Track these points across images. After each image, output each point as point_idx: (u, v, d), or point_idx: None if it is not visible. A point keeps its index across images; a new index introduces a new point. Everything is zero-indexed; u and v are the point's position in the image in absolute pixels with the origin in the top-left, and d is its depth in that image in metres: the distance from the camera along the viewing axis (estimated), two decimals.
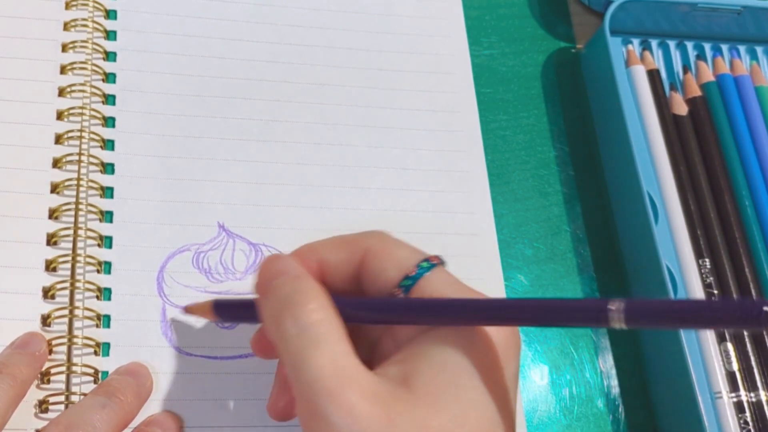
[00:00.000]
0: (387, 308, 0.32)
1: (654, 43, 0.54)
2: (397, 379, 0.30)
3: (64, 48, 0.45)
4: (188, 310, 0.39)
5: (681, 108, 0.52)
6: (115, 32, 0.46)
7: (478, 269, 0.45)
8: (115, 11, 0.46)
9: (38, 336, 0.39)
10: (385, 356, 0.32)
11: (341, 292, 0.33)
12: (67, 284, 0.40)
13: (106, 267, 0.41)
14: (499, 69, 0.53)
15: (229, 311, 0.37)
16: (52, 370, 0.38)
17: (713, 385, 0.45)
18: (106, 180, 0.43)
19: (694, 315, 0.26)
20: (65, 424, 0.35)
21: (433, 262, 0.32)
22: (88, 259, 0.41)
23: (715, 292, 0.47)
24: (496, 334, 0.31)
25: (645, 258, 0.46)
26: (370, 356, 0.33)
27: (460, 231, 0.46)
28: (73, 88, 0.44)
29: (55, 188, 0.42)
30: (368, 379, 0.29)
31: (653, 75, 0.52)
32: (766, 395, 0.45)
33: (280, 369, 0.36)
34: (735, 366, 0.45)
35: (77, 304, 0.40)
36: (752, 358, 0.45)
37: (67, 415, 0.36)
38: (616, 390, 0.46)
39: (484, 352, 0.30)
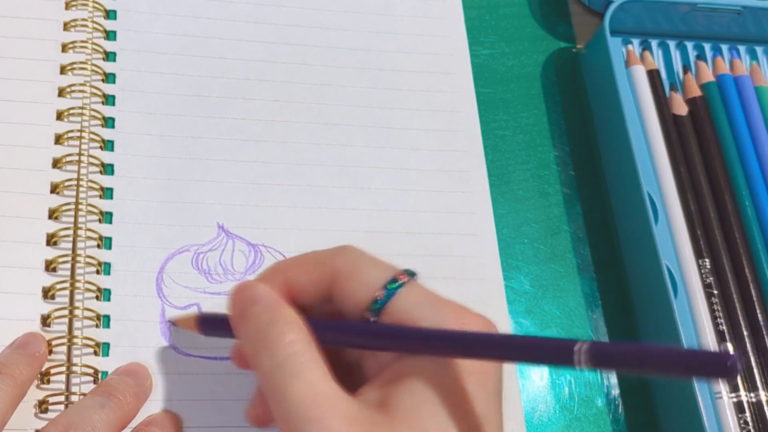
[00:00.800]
0: (358, 333, 0.32)
1: (654, 43, 0.54)
2: (376, 403, 0.30)
3: (64, 48, 0.45)
4: (175, 322, 0.40)
5: (681, 108, 0.52)
6: (114, 32, 0.46)
7: (478, 269, 0.45)
8: (114, 11, 0.46)
9: (38, 336, 0.39)
10: (368, 376, 0.32)
11: (312, 311, 0.33)
12: (67, 284, 0.40)
13: (105, 267, 0.41)
14: (499, 69, 0.53)
15: (214, 326, 0.37)
16: (52, 371, 0.38)
17: (713, 385, 0.45)
18: (105, 180, 0.43)
19: (661, 362, 0.26)
20: (65, 424, 0.35)
21: (401, 281, 0.32)
22: (88, 260, 0.41)
23: (715, 292, 0.47)
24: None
25: (645, 258, 0.46)
26: (353, 376, 0.33)
27: (460, 231, 0.46)
28: (73, 88, 0.44)
29: (55, 188, 0.42)
30: (347, 405, 0.29)
31: (653, 75, 0.52)
32: (766, 395, 0.45)
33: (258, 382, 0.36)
34: None
35: (77, 304, 0.40)
36: (752, 358, 0.45)
37: (67, 415, 0.36)
38: (616, 390, 0.46)
39: (461, 375, 0.30)
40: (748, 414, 0.44)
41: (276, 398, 0.30)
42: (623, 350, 0.27)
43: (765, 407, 0.45)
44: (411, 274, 0.33)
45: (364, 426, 0.29)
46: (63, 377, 0.39)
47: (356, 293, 0.32)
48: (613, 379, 0.46)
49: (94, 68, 0.45)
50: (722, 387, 0.45)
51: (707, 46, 0.54)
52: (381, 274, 0.33)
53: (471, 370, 0.31)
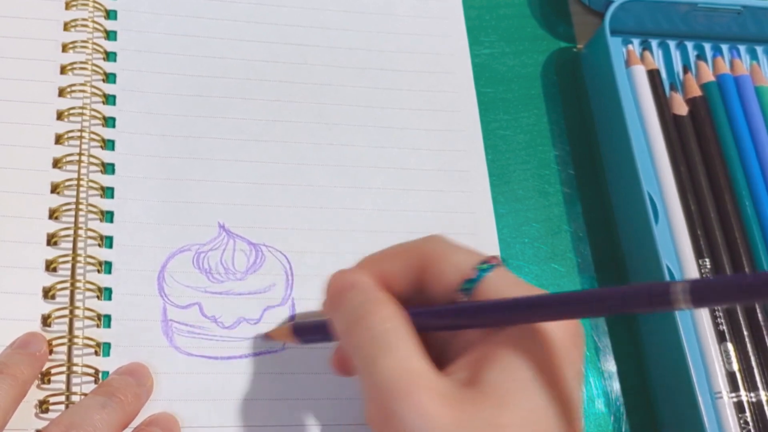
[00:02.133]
0: (451, 314, 0.33)
1: (654, 43, 0.54)
2: (465, 381, 0.30)
3: (64, 48, 0.45)
4: (269, 335, 0.41)
5: (681, 108, 0.52)
6: (115, 32, 0.46)
7: None
8: (115, 11, 0.46)
9: (38, 336, 0.39)
10: (453, 359, 0.32)
11: (404, 300, 0.33)
12: (68, 284, 0.40)
13: (106, 267, 0.41)
14: (499, 69, 0.53)
15: (308, 332, 0.38)
16: (53, 370, 0.38)
17: (713, 385, 0.45)
18: (106, 180, 0.43)
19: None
20: (66, 424, 0.35)
21: (492, 263, 0.33)
22: (89, 259, 0.41)
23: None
24: (559, 332, 0.31)
25: (645, 258, 0.46)
26: (439, 361, 0.33)
27: (460, 231, 0.46)
28: (73, 88, 0.44)
29: (55, 188, 0.42)
30: (437, 381, 0.30)
31: (653, 75, 0.52)
32: (766, 395, 0.45)
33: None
34: (735, 366, 0.45)
35: (77, 304, 0.40)
36: (752, 358, 0.45)
37: (68, 415, 0.36)
38: (616, 390, 0.46)
39: (548, 350, 0.31)
40: (748, 414, 0.44)
41: (368, 372, 0.31)
42: (723, 284, 0.27)
43: (765, 407, 0.45)
44: (501, 260, 0.34)
45: (453, 402, 0.29)
46: (64, 377, 0.39)
47: (447, 275, 0.33)
48: (614, 379, 0.46)
49: (94, 68, 0.45)
50: (722, 387, 0.45)
51: (707, 46, 0.54)
52: (471, 257, 0.33)
53: (557, 352, 0.31)
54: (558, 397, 0.30)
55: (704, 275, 0.47)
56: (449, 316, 0.33)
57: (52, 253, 0.41)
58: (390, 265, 0.35)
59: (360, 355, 0.31)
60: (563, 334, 0.31)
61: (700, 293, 0.27)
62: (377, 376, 0.30)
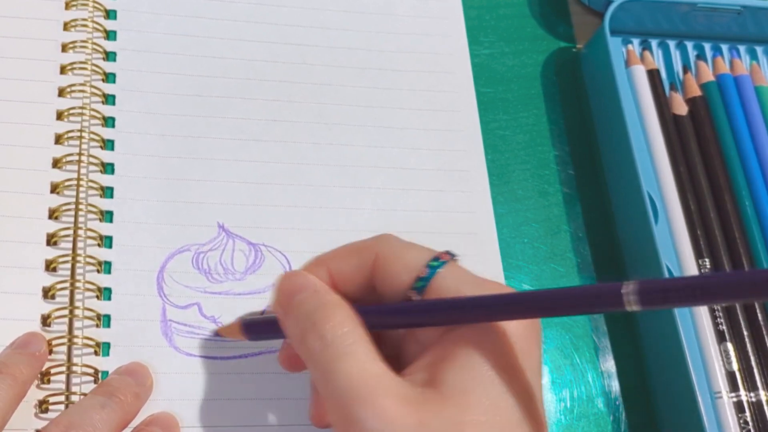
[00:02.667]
0: (405, 312, 0.33)
1: (654, 43, 0.54)
2: (425, 382, 0.30)
3: (64, 48, 0.45)
4: (219, 332, 0.40)
5: (681, 108, 0.52)
6: (115, 32, 0.46)
7: (478, 269, 0.44)
8: (115, 11, 0.46)
9: (38, 336, 0.39)
10: (410, 359, 0.32)
11: (355, 300, 0.33)
12: (67, 284, 0.40)
13: (106, 267, 0.41)
14: (498, 69, 0.53)
15: (258, 329, 0.38)
16: (52, 370, 0.38)
17: (713, 385, 0.45)
18: (106, 180, 0.43)
19: (718, 289, 0.26)
20: (65, 424, 0.35)
21: (443, 260, 0.33)
22: (88, 259, 0.41)
23: None
24: (516, 326, 0.31)
25: (645, 258, 0.46)
26: (395, 360, 0.33)
27: (460, 231, 0.46)
28: (73, 88, 0.44)
29: (55, 188, 0.42)
30: (397, 384, 0.30)
31: (653, 75, 0.52)
32: (766, 395, 0.45)
33: (313, 381, 0.36)
34: (735, 366, 0.45)
35: (77, 304, 0.40)
36: (752, 358, 0.45)
37: (68, 415, 0.36)
38: (616, 390, 0.46)
39: (506, 345, 0.31)
40: (748, 414, 0.44)
41: (325, 379, 0.30)
42: (672, 285, 0.27)
43: (765, 407, 0.45)
44: (452, 255, 0.33)
45: (414, 404, 0.29)
46: (63, 377, 0.39)
47: (399, 274, 0.33)
48: (614, 379, 0.46)
49: (94, 68, 0.45)
50: (722, 387, 0.45)
51: (707, 46, 0.54)
52: (422, 254, 0.33)
53: (514, 346, 0.31)
54: (518, 390, 0.30)
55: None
56: (403, 315, 0.33)
57: (51, 253, 0.41)
58: (341, 264, 0.34)
59: (316, 362, 0.31)
60: (519, 326, 0.31)
61: (648, 295, 0.27)
62: (336, 382, 0.30)
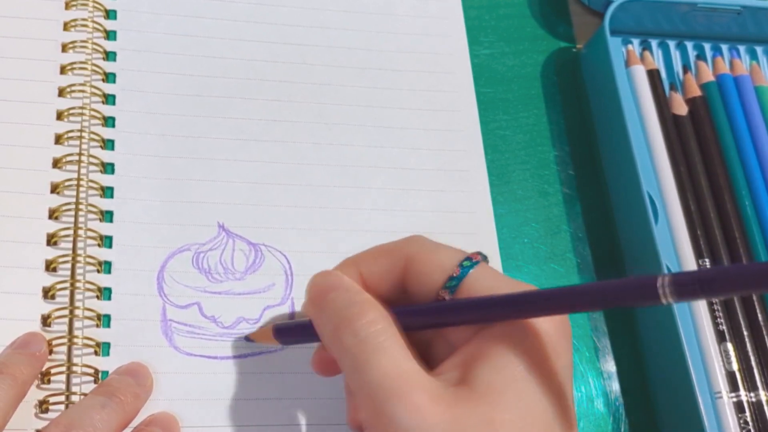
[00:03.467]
0: (437, 312, 0.33)
1: (654, 43, 0.54)
2: (457, 380, 0.31)
3: (64, 48, 0.45)
4: (251, 337, 0.40)
5: (681, 108, 0.52)
6: (114, 32, 0.46)
7: None
8: (114, 11, 0.47)
9: (38, 336, 0.39)
10: (439, 359, 0.32)
11: (386, 301, 0.33)
12: (67, 284, 0.40)
13: (106, 267, 0.41)
14: (498, 69, 0.53)
15: (290, 333, 0.38)
16: (53, 370, 0.38)
17: (713, 385, 0.45)
18: (106, 180, 0.43)
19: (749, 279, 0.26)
20: (65, 424, 0.35)
21: (475, 260, 0.33)
22: (88, 259, 0.41)
23: None
24: (547, 326, 0.31)
25: (645, 258, 0.46)
26: (424, 361, 0.33)
27: (460, 231, 0.46)
28: (73, 88, 0.44)
29: (55, 188, 0.42)
30: (430, 381, 0.30)
31: (653, 75, 0.52)
32: (766, 395, 0.45)
33: (346, 385, 0.36)
34: (735, 366, 0.45)
35: (77, 304, 0.40)
36: (752, 358, 0.45)
37: (68, 415, 0.36)
38: (616, 390, 0.46)
39: (538, 345, 0.31)
40: (748, 414, 0.44)
41: (358, 375, 0.30)
42: (707, 276, 0.27)
43: (765, 407, 0.44)
44: (483, 256, 0.33)
45: (447, 401, 0.29)
46: (63, 377, 0.39)
47: (431, 274, 0.33)
48: (614, 379, 0.46)
49: (94, 68, 0.45)
50: (722, 387, 0.45)
51: (707, 46, 0.54)
52: (454, 255, 0.33)
53: (546, 346, 0.31)
54: (550, 390, 0.30)
55: None
56: (436, 315, 0.33)
57: (52, 253, 0.41)
58: (372, 265, 0.35)
59: (349, 359, 0.31)
60: (551, 326, 0.31)
61: (683, 287, 0.27)
62: (369, 379, 0.30)
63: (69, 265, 0.40)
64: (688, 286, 0.27)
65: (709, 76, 0.53)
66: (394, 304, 0.33)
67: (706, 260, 0.47)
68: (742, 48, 0.55)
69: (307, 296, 0.34)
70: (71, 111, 0.43)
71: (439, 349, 0.34)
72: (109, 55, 0.45)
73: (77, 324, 0.39)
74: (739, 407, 0.44)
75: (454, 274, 0.33)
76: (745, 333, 0.46)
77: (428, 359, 0.34)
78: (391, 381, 0.29)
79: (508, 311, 0.31)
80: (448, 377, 0.31)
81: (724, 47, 0.54)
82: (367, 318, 0.31)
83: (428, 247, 0.34)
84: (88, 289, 0.40)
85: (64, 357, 0.39)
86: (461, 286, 0.32)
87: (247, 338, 0.41)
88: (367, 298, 0.33)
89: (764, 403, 0.45)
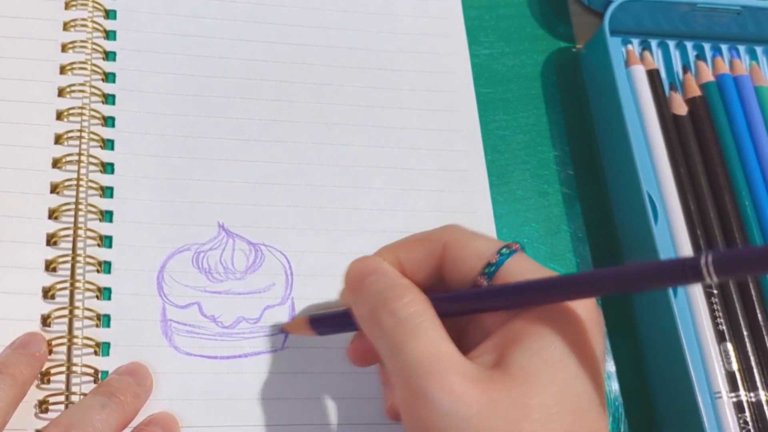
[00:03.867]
0: (475, 298, 0.33)
1: (654, 43, 0.54)
2: (492, 363, 0.31)
3: (64, 48, 0.45)
4: (285, 328, 0.41)
5: (681, 108, 0.52)
6: (114, 32, 0.46)
7: None
8: (114, 11, 0.46)
9: (38, 336, 0.39)
10: (473, 345, 0.33)
11: (423, 288, 0.34)
12: (67, 284, 0.40)
13: (106, 267, 0.41)
14: (498, 69, 0.53)
15: (326, 323, 0.38)
16: (52, 370, 0.38)
17: (713, 385, 0.45)
18: (105, 180, 0.43)
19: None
20: (65, 425, 0.35)
21: (513, 248, 0.33)
22: (88, 259, 0.41)
23: (715, 292, 0.47)
24: (582, 311, 0.32)
25: (644, 258, 0.46)
26: (459, 347, 0.34)
27: None
28: (73, 88, 0.44)
29: (55, 188, 0.42)
30: (466, 364, 0.30)
31: (653, 75, 0.52)
32: (766, 395, 0.45)
33: (383, 372, 0.37)
34: (735, 366, 0.45)
35: (77, 304, 0.40)
36: (752, 358, 0.45)
37: (67, 416, 0.36)
38: (616, 390, 0.46)
39: (572, 330, 0.31)
40: (748, 414, 0.44)
41: (395, 355, 0.31)
42: (748, 254, 0.27)
43: (765, 407, 0.44)
44: (521, 245, 0.34)
45: (483, 383, 0.30)
46: (63, 377, 0.39)
47: (468, 260, 0.34)
48: (614, 379, 0.46)
49: (94, 68, 0.45)
50: (722, 387, 0.45)
51: (707, 46, 0.54)
52: (492, 243, 0.34)
53: (581, 332, 0.31)
54: (585, 374, 0.31)
55: None
56: (474, 300, 0.33)
57: (51, 253, 0.41)
58: (409, 253, 0.35)
59: (386, 340, 0.32)
60: (585, 312, 0.32)
61: (726, 264, 0.27)
62: (406, 360, 0.30)
63: (69, 265, 0.40)
64: (731, 264, 0.27)
65: (708, 76, 0.53)
66: (430, 291, 0.34)
67: None
68: (741, 48, 0.55)
69: (345, 282, 0.35)
70: (71, 111, 0.43)
71: (474, 336, 0.34)
72: (109, 55, 0.45)
73: (77, 324, 0.39)
74: (739, 407, 0.44)
75: (492, 261, 0.33)
76: (745, 333, 0.46)
77: (462, 345, 0.34)
78: (428, 362, 0.30)
79: (544, 295, 0.31)
80: (483, 360, 0.31)
81: (724, 47, 0.54)
82: (405, 299, 0.32)
83: (467, 234, 0.35)
84: (88, 289, 0.40)
85: (63, 357, 0.39)
86: (498, 273, 0.33)
87: (282, 329, 0.41)
88: (406, 282, 0.33)
89: (764, 403, 0.45)
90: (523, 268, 0.33)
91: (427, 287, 0.34)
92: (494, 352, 0.31)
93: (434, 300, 0.33)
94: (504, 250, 0.33)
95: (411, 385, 0.30)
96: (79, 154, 0.43)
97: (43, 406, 0.38)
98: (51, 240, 0.41)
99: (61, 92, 0.44)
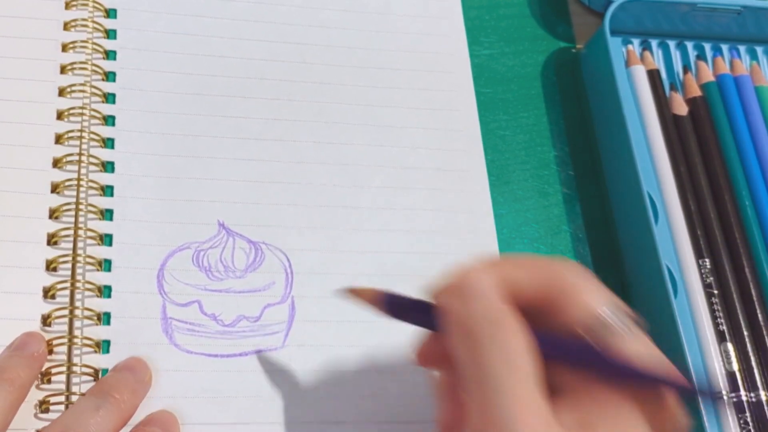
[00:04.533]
0: (578, 353, 0.32)
1: (654, 43, 0.54)
2: (576, 425, 0.30)
3: (64, 48, 0.45)
4: (351, 291, 0.36)
5: (681, 108, 0.52)
6: (114, 31, 0.46)
7: None
8: (114, 10, 0.47)
9: (36, 336, 0.38)
10: (553, 388, 0.32)
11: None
12: (68, 284, 0.40)
13: (106, 265, 0.41)
14: (498, 69, 0.53)
15: (402, 307, 0.35)
16: (53, 370, 0.38)
17: (713, 385, 0.45)
18: (106, 179, 0.43)
19: None
20: (60, 430, 0.35)
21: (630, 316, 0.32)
22: (89, 259, 0.41)
23: (716, 292, 0.47)
24: (670, 395, 0.31)
25: (645, 258, 0.46)
26: None
27: (460, 230, 0.46)
28: (73, 88, 0.44)
29: (55, 188, 0.42)
30: (558, 427, 0.29)
31: (653, 75, 0.52)
32: (766, 395, 0.45)
33: (444, 384, 0.35)
34: (735, 366, 0.45)
35: (77, 304, 0.40)
36: (752, 358, 0.45)
37: (62, 422, 0.36)
38: None
39: (658, 410, 0.31)
40: (748, 414, 0.44)
41: (489, 399, 0.30)
42: None
43: (765, 407, 0.44)
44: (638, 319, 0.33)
45: None
46: (63, 377, 0.39)
47: (579, 308, 0.32)
48: None
49: (94, 68, 0.45)
50: (722, 387, 0.45)
51: (707, 46, 0.54)
52: (608, 299, 0.32)
53: (665, 408, 0.31)
54: None
55: (704, 275, 0.47)
56: (576, 354, 0.32)
57: (52, 252, 0.41)
58: (521, 275, 0.33)
59: (482, 377, 0.30)
60: (672, 399, 0.31)
61: None
62: (501, 407, 0.29)
63: (69, 265, 0.40)
64: None
65: (709, 76, 0.53)
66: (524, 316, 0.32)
67: (706, 260, 0.47)
68: (742, 48, 0.55)
69: (449, 287, 0.33)
70: (71, 111, 0.43)
71: (556, 378, 0.32)
72: (109, 54, 0.45)
73: (77, 324, 0.39)
74: (739, 407, 0.44)
75: (604, 321, 0.31)
76: (745, 333, 0.46)
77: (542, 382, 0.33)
78: (525, 417, 0.29)
79: (652, 380, 0.31)
80: (566, 418, 0.30)
81: (725, 47, 0.54)
82: (515, 344, 0.30)
83: (586, 279, 0.33)
84: (88, 289, 0.40)
85: (64, 357, 0.39)
86: (605, 335, 0.31)
87: (348, 291, 0.36)
88: (514, 322, 0.31)
89: (764, 403, 0.45)
90: (631, 342, 0.31)
91: (523, 311, 0.33)
92: (576, 412, 0.31)
93: (538, 339, 0.31)
94: (619, 314, 0.32)
95: (493, 421, 0.29)
96: (80, 154, 0.43)
97: (43, 406, 0.38)
98: (51, 240, 0.41)
99: (61, 92, 0.44)
